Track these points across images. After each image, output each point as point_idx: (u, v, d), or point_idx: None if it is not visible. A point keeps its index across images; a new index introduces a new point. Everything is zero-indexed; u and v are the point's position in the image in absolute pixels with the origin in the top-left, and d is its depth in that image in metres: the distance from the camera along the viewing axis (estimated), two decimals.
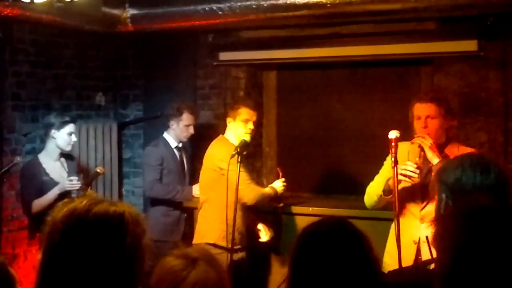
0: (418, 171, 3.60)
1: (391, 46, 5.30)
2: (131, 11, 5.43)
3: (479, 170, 2.23)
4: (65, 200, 1.75)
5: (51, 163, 4.81)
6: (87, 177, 5.02)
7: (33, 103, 5.56)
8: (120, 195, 6.12)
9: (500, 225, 1.49)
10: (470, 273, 1.45)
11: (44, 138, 4.91)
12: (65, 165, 4.87)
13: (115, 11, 5.38)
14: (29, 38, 5.47)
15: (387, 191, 3.80)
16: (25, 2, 4.15)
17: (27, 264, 4.85)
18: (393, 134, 3.64)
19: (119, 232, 1.64)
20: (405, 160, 3.70)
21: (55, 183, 4.65)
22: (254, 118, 4.64)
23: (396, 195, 3.46)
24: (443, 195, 2.28)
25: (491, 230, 1.48)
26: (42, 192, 4.62)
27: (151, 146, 5.39)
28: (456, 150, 3.72)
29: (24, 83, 5.46)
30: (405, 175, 3.59)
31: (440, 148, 3.75)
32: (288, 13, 4.92)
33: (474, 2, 4.43)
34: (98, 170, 4.69)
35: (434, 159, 3.58)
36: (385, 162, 4.04)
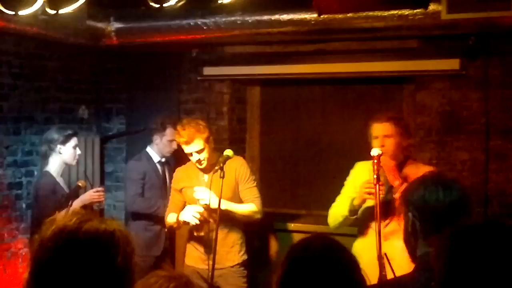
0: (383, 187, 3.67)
1: (374, 64, 5.34)
2: (116, 25, 5.43)
3: (441, 187, 2.28)
4: (50, 218, 1.69)
5: (59, 178, 4.78)
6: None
7: (16, 116, 5.52)
8: (102, 209, 6.08)
9: (487, 242, 1.60)
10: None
11: (47, 154, 4.77)
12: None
13: (100, 25, 5.38)
14: (13, 50, 5.45)
15: (352, 211, 3.91)
16: (9, 14, 4.13)
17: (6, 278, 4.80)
18: (375, 151, 3.68)
19: (110, 251, 1.60)
20: (366, 179, 3.80)
21: None
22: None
23: (378, 211, 3.48)
24: (410, 214, 2.32)
25: (479, 248, 1.59)
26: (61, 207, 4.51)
27: (134, 160, 5.37)
28: (415, 169, 3.82)
29: (6, 95, 5.42)
30: (369, 193, 3.67)
31: (399, 166, 3.86)
32: (273, 29, 4.95)
33: (456, 22, 4.48)
34: (80, 184, 4.66)
35: (395, 181, 3.62)
36: (345, 183, 4.11)
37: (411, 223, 2.32)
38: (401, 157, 3.92)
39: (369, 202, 3.76)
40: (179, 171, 4.58)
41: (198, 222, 4.18)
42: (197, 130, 4.26)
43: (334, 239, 2.01)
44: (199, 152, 4.27)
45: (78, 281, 1.55)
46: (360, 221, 4.00)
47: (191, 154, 4.29)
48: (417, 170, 3.74)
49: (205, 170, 4.36)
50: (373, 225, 3.76)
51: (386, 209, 3.77)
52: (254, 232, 4.85)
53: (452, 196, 2.27)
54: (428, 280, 1.97)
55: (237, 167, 4.40)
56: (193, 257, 4.46)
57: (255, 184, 4.48)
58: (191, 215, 4.19)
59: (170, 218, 4.44)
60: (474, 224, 1.75)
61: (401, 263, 2.58)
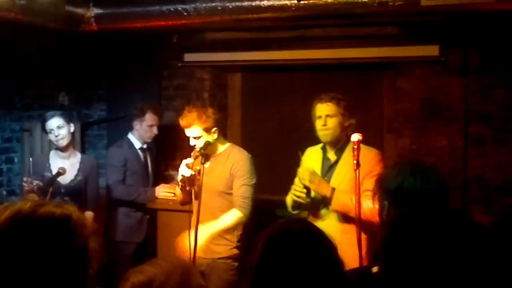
0: (305, 190, 3.90)
1: (355, 50, 5.36)
2: (96, 11, 5.39)
3: (419, 176, 2.30)
4: (6, 203, 1.66)
5: (59, 161, 4.80)
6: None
7: None
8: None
9: (435, 228, 1.60)
10: (407, 276, 1.56)
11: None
12: (76, 165, 4.88)
13: (79, 10, 5.33)
14: None
15: (293, 207, 4.07)
16: None
17: None
18: (355, 137, 3.70)
19: (66, 233, 1.58)
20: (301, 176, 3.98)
21: None
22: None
23: (358, 198, 3.51)
24: (385, 203, 2.34)
25: (425, 233, 1.60)
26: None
27: (115, 147, 5.36)
28: (369, 154, 3.91)
29: None
30: (298, 196, 3.93)
31: (342, 146, 4.02)
32: (253, 15, 4.94)
33: (436, 8, 4.50)
34: (60, 170, 4.63)
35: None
36: (298, 170, 4.15)
37: (387, 210, 2.33)
38: (344, 136, 4.02)
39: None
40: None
41: (192, 172, 4.18)
42: (198, 117, 4.24)
43: (311, 222, 2.02)
44: (196, 138, 4.27)
45: (34, 263, 1.53)
46: (312, 205, 4.07)
47: (188, 138, 4.30)
48: (371, 156, 3.90)
49: (205, 158, 4.31)
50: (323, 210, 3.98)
51: None
52: None
53: (429, 184, 2.29)
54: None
55: (236, 161, 4.34)
56: (183, 245, 4.44)
57: (251, 182, 4.36)
58: (183, 167, 4.21)
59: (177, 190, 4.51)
60: (419, 210, 1.76)
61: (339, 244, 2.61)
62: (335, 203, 3.84)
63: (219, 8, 4.97)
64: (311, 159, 4.13)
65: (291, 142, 6.03)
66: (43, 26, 5.27)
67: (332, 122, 3.99)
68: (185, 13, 5.07)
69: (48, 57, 6.01)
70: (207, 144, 4.22)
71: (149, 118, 5.24)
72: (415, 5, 4.50)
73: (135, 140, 5.31)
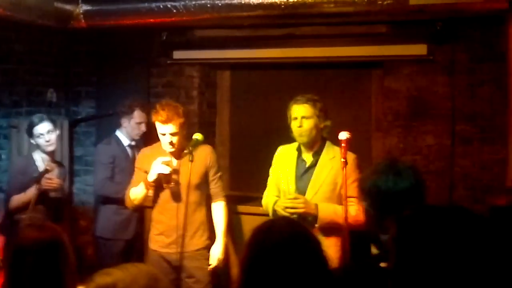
0: (300, 200, 3.89)
1: (343, 49, 5.38)
2: (84, 7, 5.38)
3: (391, 174, 2.30)
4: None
5: (41, 162, 4.77)
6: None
7: None
8: (71, 193, 6.05)
9: (443, 223, 1.60)
10: (415, 273, 1.57)
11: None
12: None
13: (68, 7, 5.32)
14: None
15: (275, 215, 4.05)
16: None
17: None
18: (343, 135, 3.72)
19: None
20: (282, 170, 4.11)
21: None
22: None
23: (346, 197, 3.54)
24: (364, 202, 2.34)
25: (424, 231, 1.61)
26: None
27: (103, 144, 5.35)
28: (332, 151, 4.02)
29: None
30: (290, 207, 3.91)
31: (319, 149, 4.05)
32: (243, 13, 4.95)
33: (424, 7, 4.53)
34: (48, 168, 4.63)
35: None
36: (270, 170, 4.27)
37: (366, 211, 2.34)
38: (319, 138, 4.05)
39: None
40: (145, 152, 4.57)
41: (171, 170, 4.23)
42: (176, 113, 4.28)
43: (297, 221, 2.03)
44: (173, 134, 4.28)
45: None
46: None
47: (164, 135, 4.29)
48: (334, 153, 3.97)
49: (174, 155, 4.37)
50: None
51: None
52: None
53: (404, 183, 2.28)
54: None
55: (207, 154, 4.47)
56: (157, 241, 4.48)
57: (220, 173, 4.62)
58: (161, 166, 4.22)
59: (135, 190, 4.41)
60: (426, 208, 1.78)
61: None
62: (320, 220, 3.85)
63: (208, 5, 4.98)
64: (285, 158, 4.15)
65: (279, 139, 6.03)
66: (32, 23, 5.26)
67: (308, 124, 4.00)
68: (174, 10, 5.08)
69: (37, 54, 5.98)
70: (196, 142, 4.25)
71: (137, 115, 5.23)
72: (404, 4, 4.53)
73: (123, 137, 5.30)
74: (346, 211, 3.56)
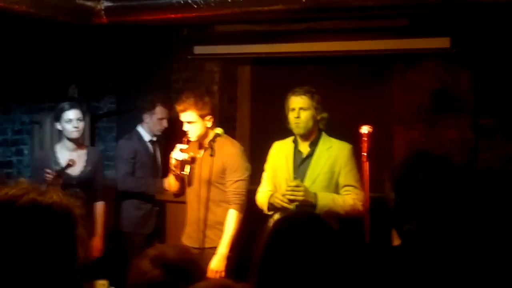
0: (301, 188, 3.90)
1: (365, 42, 5.35)
2: (106, 3, 5.39)
3: (422, 165, 2.29)
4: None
5: (66, 153, 4.74)
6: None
7: (5, 94, 5.50)
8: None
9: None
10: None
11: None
12: (84, 156, 4.80)
13: (89, 3, 5.34)
14: (0, 28, 5.40)
15: (271, 209, 4.08)
16: None
17: None
18: (365, 129, 3.71)
19: (55, 219, 1.54)
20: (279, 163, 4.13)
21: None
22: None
23: (368, 190, 3.53)
24: (392, 193, 2.34)
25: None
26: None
27: (124, 139, 5.37)
28: (328, 142, 4.08)
29: None
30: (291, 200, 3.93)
31: (315, 140, 4.09)
32: (263, 7, 4.93)
33: (447, 0, 4.48)
34: (70, 162, 4.64)
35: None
36: (265, 166, 4.28)
37: (394, 201, 2.33)
38: (315, 130, 4.09)
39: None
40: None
41: (185, 157, 4.25)
42: (195, 103, 4.27)
43: (318, 214, 2.04)
44: (189, 123, 4.29)
45: (22, 250, 1.49)
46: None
47: (182, 123, 4.32)
48: (330, 143, 4.05)
49: (195, 145, 4.38)
50: None
51: None
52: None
53: (433, 175, 2.27)
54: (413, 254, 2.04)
55: (227, 153, 4.33)
56: (184, 233, 4.49)
57: (244, 176, 4.35)
58: (177, 152, 4.29)
59: (169, 178, 4.57)
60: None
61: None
62: (319, 209, 3.85)
63: (229, 0, 4.96)
64: (282, 152, 4.18)
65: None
66: (54, 19, 5.28)
67: (305, 115, 4.04)
68: (195, 6, 5.07)
69: (58, 50, 6.02)
70: (215, 136, 4.24)
71: (159, 111, 5.24)
72: None
73: (145, 133, 5.31)
74: (368, 201, 3.54)
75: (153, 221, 5.26)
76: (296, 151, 4.12)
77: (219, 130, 4.29)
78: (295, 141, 4.15)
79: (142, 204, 5.21)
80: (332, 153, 3.99)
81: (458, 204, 1.80)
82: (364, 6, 4.67)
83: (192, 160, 4.33)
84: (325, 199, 3.88)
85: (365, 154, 3.63)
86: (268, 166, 4.27)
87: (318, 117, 4.08)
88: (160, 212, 5.31)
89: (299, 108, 4.05)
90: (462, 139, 5.10)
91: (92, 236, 4.67)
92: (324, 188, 3.95)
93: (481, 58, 5.05)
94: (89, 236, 1.62)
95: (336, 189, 3.96)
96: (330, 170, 3.98)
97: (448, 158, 2.61)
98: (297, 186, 3.89)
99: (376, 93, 5.66)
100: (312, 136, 4.09)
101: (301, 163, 4.06)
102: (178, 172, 4.35)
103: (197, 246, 4.26)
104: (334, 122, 5.73)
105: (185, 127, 4.30)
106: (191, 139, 4.32)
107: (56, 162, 4.68)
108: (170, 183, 4.57)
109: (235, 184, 4.31)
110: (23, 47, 5.62)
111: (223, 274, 4.19)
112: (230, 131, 5.78)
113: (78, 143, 4.82)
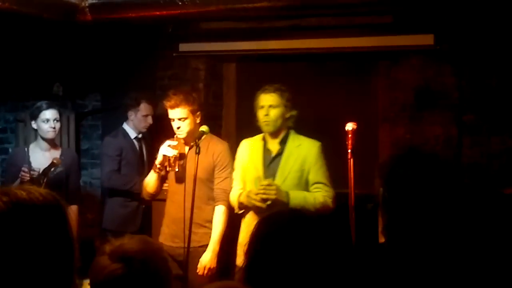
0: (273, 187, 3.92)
1: (349, 39, 5.36)
2: (90, 0, 5.37)
3: (411, 161, 2.31)
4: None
5: (39, 153, 4.73)
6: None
7: None
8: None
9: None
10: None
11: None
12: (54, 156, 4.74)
13: (74, 0, 5.32)
14: None
15: (241, 208, 4.14)
16: None
17: None
18: (350, 126, 3.72)
19: (59, 218, 1.56)
20: (248, 161, 4.15)
21: None
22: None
23: (352, 187, 3.54)
24: (381, 189, 2.35)
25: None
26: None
27: (110, 137, 5.35)
28: (297, 140, 4.10)
29: None
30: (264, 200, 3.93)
31: (284, 138, 4.12)
32: (248, 4, 4.93)
33: None
34: (55, 161, 4.62)
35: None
36: (235, 164, 4.31)
37: (382, 197, 2.35)
38: (284, 128, 4.11)
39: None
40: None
41: (175, 153, 4.23)
42: (185, 99, 4.28)
43: (301, 211, 2.05)
44: (181, 119, 4.28)
45: (26, 250, 1.48)
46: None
47: (173, 120, 4.30)
48: (299, 141, 4.08)
49: (186, 143, 4.36)
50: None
51: None
52: None
53: (421, 170, 2.29)
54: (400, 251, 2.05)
55: (215, 150, 4.36)
56: (163, 233, 4.47)
57: (231, 174, 4.38)
58: (166, 147, 4.24)
59: (147, 177, 4.44)
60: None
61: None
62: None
63: None
64: (251, 150, 4.19)
65: None
66: (38, 16, 5.25)
67: (274, 113, 4.07)
68: (180, 3, 5.06)
69: (42, 47, 5.98)
70: (201, 134, 4.23)
71: (144, 108, 5.24)
72: None
73: (130, 130, 5.30)
74: (352, 198, 3.56)
75: (139, 219, 5.25)
76: (265, 149, 4.14)
77: (204, 128, 4.28)
78: (264, 139, 4.16)
79: (128, 202, 5.19)
80: (301, 151, 4.03)
81: (446, 200, 1.82)
82: (349, 3, 4.70)
83: (180, 157, 4.32)
84: (297, 198, 3.91)
85: (350, 151, 3.63)
86: (237, 164, 4.27)
87: (287, 115, 4.10)
88: (146, 210, 5.30)
89: (268, 106, 4.08)
90: (446, 136, 5.13)
91: None
92: (294, 186, 3.98)
93: (465, 54, 5.08)
94: None
95: (306, 187, 4.01)
96: (300, 168, 4.01)
97: (436, 154, 2.62)
98: (269, 185, 3.91)
99: (360, 90, 5.67)
100: (281, 134, 4.12)
101: (271, 162, 4.08)
102: (168, 169, 4.32)
103: (182, 245, 4.22)
104: (318, 119, 5.77)
105: (176, 124, 4.29)
106: (181, 135, 4.31)
107: (28, 161, 4.64)
108: (149, 183, 4.43)
109: (224, 181, 4.35)
110: (6, 45, 5.58)
111: (214, 270, 4.22)
112: (216, 129, 5.77)
113: (52, 143, 4.79)
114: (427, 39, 5.14)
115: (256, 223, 1.97)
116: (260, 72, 6.13)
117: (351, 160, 3.62)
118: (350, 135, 3.69)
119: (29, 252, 1.49)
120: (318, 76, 5.88)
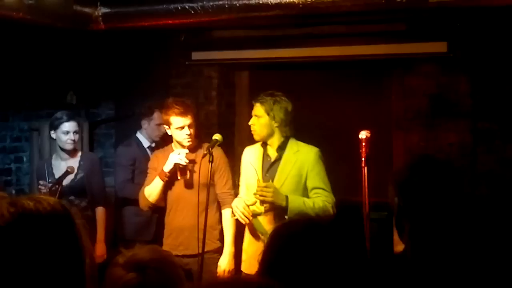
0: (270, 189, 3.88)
1: (362, 47, 5.35)
2: (103, 10, 5.39)
3: (426, 170, 2.29)
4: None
5: (61, 163, 4.78)
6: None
7: (3, 102, 5.49)
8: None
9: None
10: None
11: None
12: (75, 164, 4.79)
13: (87, 9, 5.34)
14: None
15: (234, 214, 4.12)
16: None
17: None
18: (363, 134, 3.70)
19: (66, 225, 1.55)
20: (249, 168, 4.13)
21: None
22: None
23: (366, 195, 3.52)
24: (396, 198, 2.33)
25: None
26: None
27: (123, 146, 5.36)
28: (296, 147, 4.08)
29: None
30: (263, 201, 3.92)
31: (282, 144, 4.08)
32: (261, 13, 4.93)
33: (444, 4, 4.48)
34: (69, 169, 4.64)
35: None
36: (241, 171, 4.30)
37: (397, 205, 2.33)
38: (275, 137, 4.07)
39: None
40: (158, 153, 4.56)
41: (187, 161, 4.22)
42: (189, 105, 4.31)
43: (316, 220, 2.04)
44: (190, 126, 4.27)
45: (35, 258, 1.47)
46: None
47: (181, 128, 4.26)
48: (298, 147, 4.07)
49: (190, 150, 4.34)
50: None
51: None
52: None
53: (437, 179, 2.28)
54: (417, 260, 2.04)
55: (217, 157, 4.33)
56: (166, 244, 4.43)
57: (229, 178, 4.45)
58: (178, 157, 4.22)
59: (149, 187, 4.37)
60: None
61: None
62: (290, 211, 3.85)
63: (226, 6, 4.97)
64: (251, 156, 4.19)
65: (298, 139, 6.02)
66: (51, 26, 5.28)
67: (259, 123, 4.07)
68: (192, 12, 5.07)
69: (56, 57, 6.01)
70: (215, 143, 4.23)
71: (157, 117, 5.24)
72: (423, 2, 4.48)
73: (144, 139, 5.31)
74: (367, 206, 3.53)
75: (153, 228, 5.24)
76: (265, 155, 4.14)
77: (217, 136, 4.27)
78: (264, 145, 4.15)
79: (142, 211, 5.19)
80: (299, 157, 4.03)
81: (461, 208, 1.80)
82: (362, 11, 4.68)
83: (191, 163, 4.31)
84: (296, 202, 3.89)
85: (363, 159, 3.61)
86: (242, 171, 4.29)
87: (276, 124, 4.05)
88: (159, 219, 5.29)
89: (254, 115, 4.10)
90: (461, 143, 5.10)
91: (94, 243, 4.67)
92: (292, 192, 3.96)
93: (478, 62, 5.05)
94: (92, 243, 1.66)
95: (305, 193, 3.99)
96: (297, 173, 4.00)
97: (451, 161, 2.61)
98: (266, 186, 3.89)
99: (373, 98, 5.66)
100: (279, 140, 4.09)
101: (269, 167, 4.08)
102: (179, 177, 4.32)
103: (193, 253, 4.23)
104: (332, 127, 5.76)
105: (186, 131, 4.28)
106: (190, 143, 4.31)
107: (51, 173, 4.69)
108: (153, 192, 4.36)
109: (227, 184, 4.42)
110: (21, 54, 5.61)
111: (233, 272, 4.26)
112: (229, 137, 5.78)
113: (72, 151, 4.83)
114: (440, 47, 5.12)
115: (271, 232, 1.96)
116: (273, 80, 6.13)
117: (365, 168, 3.59)
118: (363, 143, 3.67)
119: (35, 262, 1.49)
120: (331, 84, 5.87)
